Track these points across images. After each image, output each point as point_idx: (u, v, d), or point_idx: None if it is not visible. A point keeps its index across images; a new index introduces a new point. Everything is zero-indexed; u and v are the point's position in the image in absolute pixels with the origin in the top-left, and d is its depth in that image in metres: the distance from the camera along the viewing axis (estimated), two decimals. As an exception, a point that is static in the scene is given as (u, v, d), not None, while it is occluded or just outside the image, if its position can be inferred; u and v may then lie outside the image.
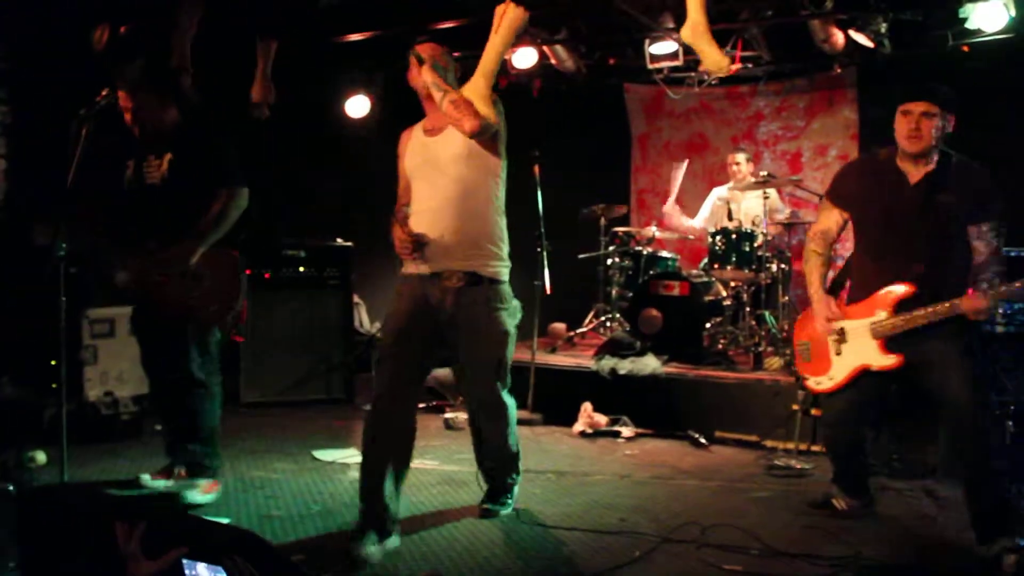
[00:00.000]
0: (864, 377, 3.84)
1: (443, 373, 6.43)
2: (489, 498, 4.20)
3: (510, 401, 4.01)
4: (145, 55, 4.42)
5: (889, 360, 3.71)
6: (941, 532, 3.99)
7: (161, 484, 4.45)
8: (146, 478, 4.49)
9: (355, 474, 4.76)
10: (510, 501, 4.20)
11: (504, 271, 3.83)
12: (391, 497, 3.62)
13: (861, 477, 4.21)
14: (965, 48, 6.71)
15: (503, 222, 3.87)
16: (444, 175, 3.71)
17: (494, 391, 3.89)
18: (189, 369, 4.26)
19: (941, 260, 3.63)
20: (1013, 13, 5.98)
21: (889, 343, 3.70)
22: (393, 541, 3.62)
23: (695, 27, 4.30)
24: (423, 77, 3.69)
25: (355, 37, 7.13)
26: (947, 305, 3.48)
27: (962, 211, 3.59)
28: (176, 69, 5.14)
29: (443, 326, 3.75)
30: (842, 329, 3.89)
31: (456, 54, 3.99)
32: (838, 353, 3.92)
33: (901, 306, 3.65)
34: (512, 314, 3.86)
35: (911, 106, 3.62)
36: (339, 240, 7.17)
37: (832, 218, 4.01)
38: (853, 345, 3.84)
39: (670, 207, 7.76)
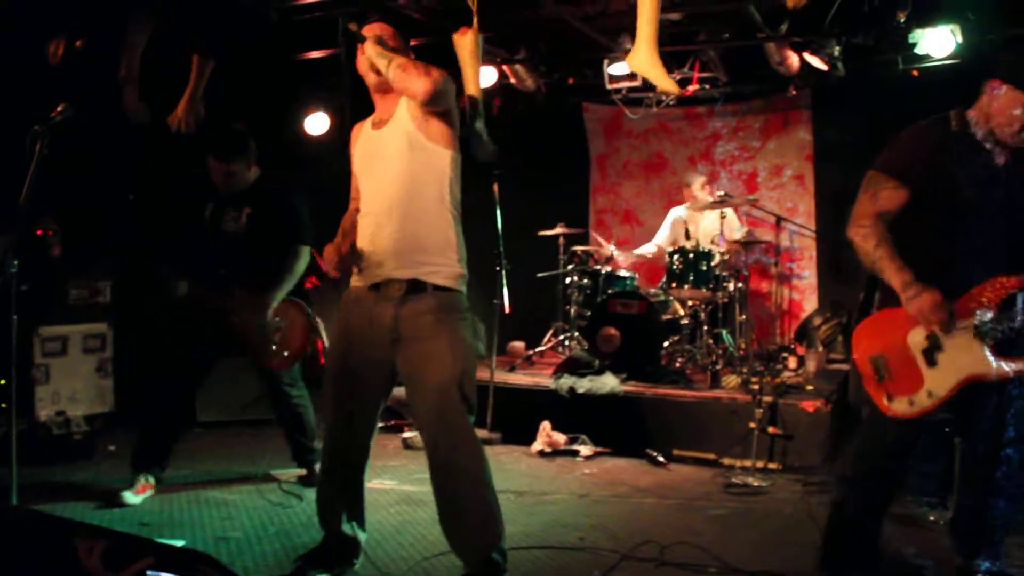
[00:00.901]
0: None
1: (401, 392, 6.39)
2: None
3: (477, 440, 3.36)
4: (247, 140, 4.71)
5: (1011, 366, 3.01)
6: (900, 549, 4.03)
7: (140, 499, 4.53)
8: (128, 495, 4.49)
9: (312, 495, 4.75)
10: None
11: (456, 280, 3.36)
12: (348, 525, 3.51)
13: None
14: (915, 72, 6.87)
15: (457, 225, 3.40)
16: (388, 171, 3.32)
17: (454, 422, 3.23)
18: (283, 390, 4.88)
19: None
20: (960, 40, 6.14)
21: (1001, 346, 3.03)
22: (350, 568, 3.55)
23: (644, 58, 4.34)
24: (366, 53, 3.28)
25: (314, 54, 7.12)
26: None
27: None
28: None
29: (386, 347, 3.32)
30: (933, 334, 3.09)
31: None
32: (932, 364, 3.10)
33: (1008, 302, 3.03)
34: (469, 327, 3.39)
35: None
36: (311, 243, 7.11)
37: (893, 197, 3.17)
38: (954, 352, 3.07)
39: (617, 253, 7.79)
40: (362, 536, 3.58)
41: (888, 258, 3.10)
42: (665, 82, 4.26)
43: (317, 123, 7.58)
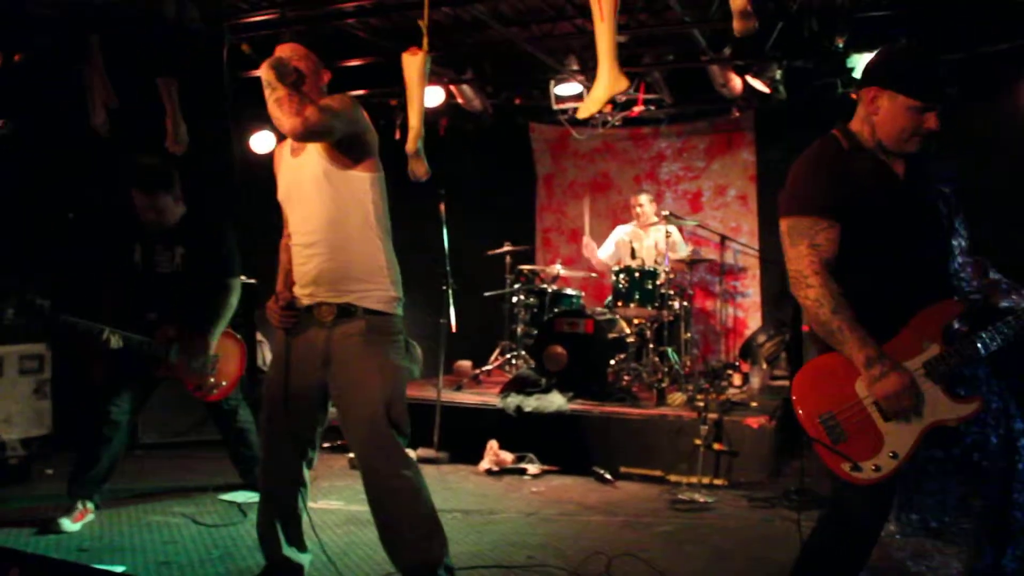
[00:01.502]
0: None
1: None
2: None
3: (410, 462, 3.31)
4: (170, 173, 4.72)
5: (969, 407, 2.63)
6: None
7: (78, 526, 4.44)
8: (65, 522, 4.39)
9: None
10: None
11: (388, 303, 3.33)
12: (289, 549, 3.46)
13: None
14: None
15: (388, 247, 3.37)
16: (310, 201, 3.29)
17: (385, 446, 3.24)
18: (225, 412, 4.95)
19: (945, 266, 2.80)
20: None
21: (955, 384, 2.67)
22: None
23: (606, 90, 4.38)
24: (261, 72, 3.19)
25: (257, 74, 7.06)
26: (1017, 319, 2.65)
27: (947, 201, 2.81)
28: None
29: (318, 371, 3.34)
30: (873, 391, 2.63)
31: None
32: (888, 417, 2.65)
33: (949, 331, 2.68)
34: (400, 351, 3.37)
35: (919, 118, 2.71)
36: (243, 277, 7.03)
37: (832, 238, 2.72)
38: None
39: (588, 239, 7.85)
40: (305, 560, 3.54)
41: (848, 327, 2.62)
42: (620, 84, 4.30)
43: (263, 141, 7.53)
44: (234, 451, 5.05)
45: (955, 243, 2.80)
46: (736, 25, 4.29)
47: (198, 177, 5.28)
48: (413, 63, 4.45)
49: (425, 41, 4.46)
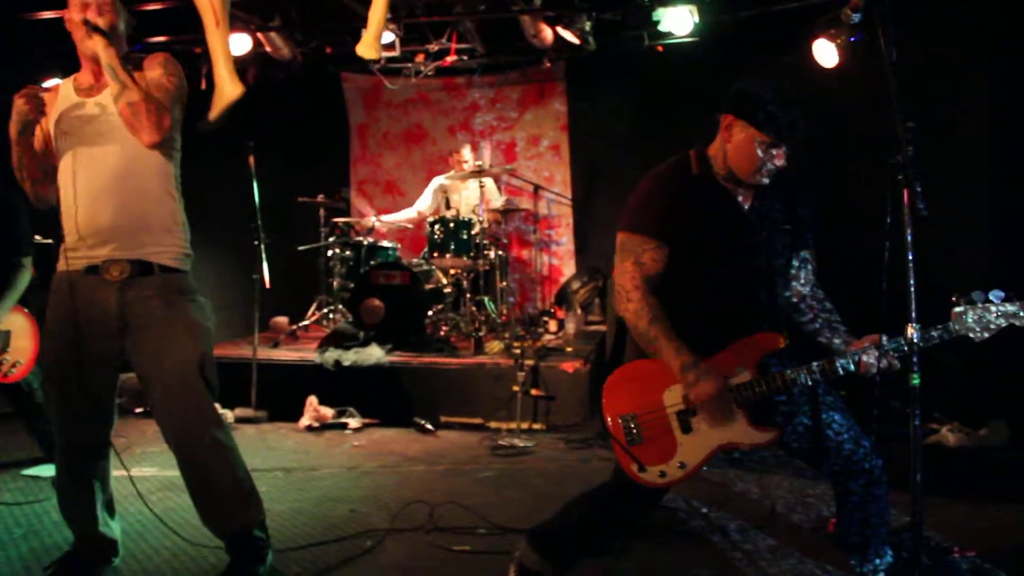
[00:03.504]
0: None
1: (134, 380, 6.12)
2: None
3: (223, 422, 3.22)
4: None
5: (765, 436, 2.75)
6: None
7: None
8: None
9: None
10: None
11: (184, 260, 3.19)
12: (102, 523, 3.30)
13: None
14: (659, 48, 7.28)
15: (180, 204, 3.23)
16: (103, 144, 3.07)
17: (199, 405, 3.10)
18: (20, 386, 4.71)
19: (773, 297, 2.88)
20: (697, 19, 6.57)
21: (756, 412, 2.77)
22: (110, 566, 3.36)
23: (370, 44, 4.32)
24: (97, 50, 3.01)
25: (48, 14, 6.59)
26: (828, 364, 2.69)
27: (794, 237, 2.90)
28: None
29: (114, 335, 3.09)
30: (688, 396, 2.75)
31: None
32: (687, 430, 2.77)
33: (764, 363, 2.77)
34: (201, 309, 3.21)
35: (767, 154, 2.73)
36: (38, 237, 6.60)
37: (657, 258, 2.81)
38: (709, 417, 2.75)
39: (376, 221, 7.79)
40: (117, 529, 3.40)
41: (664, 337, 2.72)
42: (372, 48, 4.23)
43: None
44: (34, 428, 4.80)
45: (800, 274, 2.91)
46: None
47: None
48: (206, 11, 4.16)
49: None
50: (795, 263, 2.91)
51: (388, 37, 7.31)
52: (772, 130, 2.68)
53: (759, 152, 2.71)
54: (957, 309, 2.65)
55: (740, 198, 2.83)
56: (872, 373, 2.65)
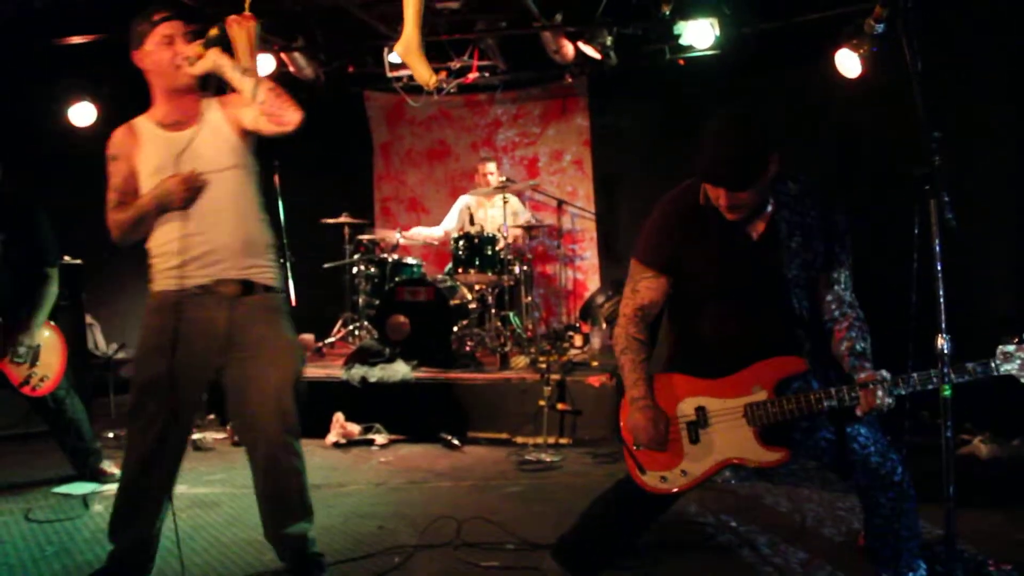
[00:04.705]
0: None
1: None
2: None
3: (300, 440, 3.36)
4: None
5: (774, 456, 2.78)
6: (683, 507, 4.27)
7: None
8: None
9: (98, 507, 4.50)
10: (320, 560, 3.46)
11: (279, 280, 3.34)
12: (155, 533, 3.35)
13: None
14: (681, 61, 7.28)
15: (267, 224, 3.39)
16: (207, 171, 3.16)
17: (288, 422, 3.23)
18: (52, 404, 4.77)
19: (790, 320, 2.88)
20: (719, 32, 6.57)
21: (766, 432, 2.79)
22: None
23: (408, 44, 4.33)
24: (219, 61, 3.08)
25: (77, 40, 6.69)
26: (835, 392, 2.69)
27: (816, 259, 2.83)
28: None
29: (216, 352, 3.20)
30: (702, 408, 2.85)
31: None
32: (695, 440, 2.85)
33: (783, 385, 2.80)
34: (292, 327, 3.34)
35: (715, 192, 2.73)
36: (67, 258, 6.68)
37: (653, 287, 2.94)
38: (719, 431, 2.82)
39: (401, 236, 7.82)
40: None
41: (628, 368, 2.90)
42: (424, 72, 4.24)
43: (82, 113, 7.14)
44: (66, 444, 4.86)
45: (835, 286, 2.85)
46: None
47: (14, 158, 4.96)
48: (243, 32, 4.22)
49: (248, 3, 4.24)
50: (833, 274, 2.85)
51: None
52: (704, 175, 2.71)
53: (713, 189, 2.72)
54: (1008, 348, 2.56)
55: (749, 226, 2.82)
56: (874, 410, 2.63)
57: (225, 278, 3.17)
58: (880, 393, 2.60)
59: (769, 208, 2.81)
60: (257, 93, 3.08)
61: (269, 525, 3.34)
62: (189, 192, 3.11)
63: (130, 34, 3.22)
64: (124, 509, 3.31)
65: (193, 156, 3.16)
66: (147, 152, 3.20)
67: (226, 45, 3.11)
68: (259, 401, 3.20)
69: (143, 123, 3.25)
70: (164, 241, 3.19)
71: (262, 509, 3.34)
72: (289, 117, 3.11)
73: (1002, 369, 2.54)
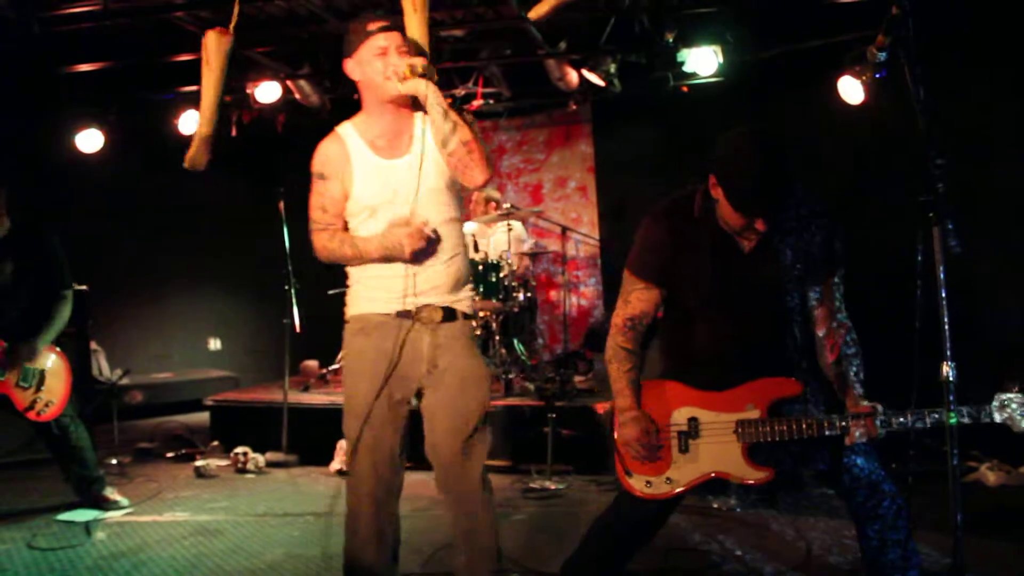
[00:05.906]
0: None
1: (190, 418, 6.16)
2: None
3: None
4: None
5: (758, 475, 2.79)
6: (684, 536, 4.24)
7: None
8: None
9: (101, 535, 4.49)
10: None
11: (473, 307, 3.27)
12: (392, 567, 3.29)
13: None
14: (685, 88, 7.32)
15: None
16: (424, 205, 3.04)
17: (480, 448, 3.23)
18: (57, 431, 4.77)
19: (781, 335, 2.89)
20: (721, 59, 6.61)
21: (754, 450, 2.81)
22: None
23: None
24: (426, 92, 2.92)
25: (84, 67, 6.74)
26: (826, 422, 2.72)
27: (808, 272, 2.83)
28: None
29: (419, 375, 3.17)
30: (694, 419, 2.86)
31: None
32: (684, 450, 2.87)
33: (777, 406, 2.81)
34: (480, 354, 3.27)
35: (742, 220, 2.68)
36: (73, 284, 6.70)
37: (644, 299, 2.93)
38: (708, 443, 2.84)
39: None
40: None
41: (615, 378, 2.93)
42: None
43: (89, 140, 7.18)
44: (70, 471, 4.88)
45: (820, 311, 2.85)
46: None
47: (22, 186, 5.00)
48: (219, 44, 4.23)
49: (233, 23, 4.26)
50: (826, 290, 2.84)
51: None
52: (740, 206, 2.64)
53: (740, 218, 2.67)
54: (1007, 397, 2.56)
55: (744, 241, 2.79)
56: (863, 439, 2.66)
57: (427, 304, 3.10)
58: (870, 425, 2.63)
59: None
60: (450, 141, 2.94)
61: (462, 561, 3.30)
62: (420, 245, 2.99)
63: (344, 41, 3.16)
64: (357, 552, 3.30)
65: (404, 189, 3.05)
66: (360, 178, 3.09)
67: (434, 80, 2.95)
68: (454, 426, 3.19)
69: (354, 140, 3.13)
70: (374, 274, 3.14)
71: (459, 541, 3.31)
72: (473, 176, 2.98)
73: (995, 417, 2.54)
